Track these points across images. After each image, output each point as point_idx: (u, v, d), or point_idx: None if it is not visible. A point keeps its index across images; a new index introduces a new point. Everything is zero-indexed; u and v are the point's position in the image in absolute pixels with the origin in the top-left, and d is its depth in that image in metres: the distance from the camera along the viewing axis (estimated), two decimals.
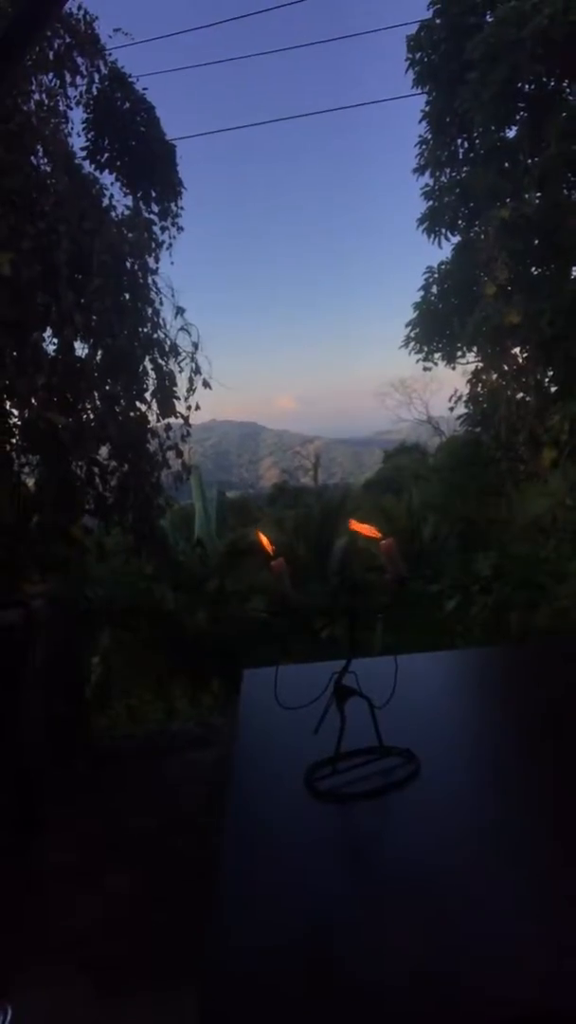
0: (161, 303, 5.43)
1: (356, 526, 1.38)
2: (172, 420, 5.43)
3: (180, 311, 5.44)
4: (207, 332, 6.93)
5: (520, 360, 9.13)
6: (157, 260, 5.57)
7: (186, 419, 5.46)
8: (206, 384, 5.50)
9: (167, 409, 5.34)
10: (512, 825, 1.22)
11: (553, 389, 8.83)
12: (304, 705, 1.35)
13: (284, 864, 1.20)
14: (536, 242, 8.34)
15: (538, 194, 8.54)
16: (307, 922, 1.06)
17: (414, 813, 1.28)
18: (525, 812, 1.26)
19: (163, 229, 5.80)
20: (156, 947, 2.83)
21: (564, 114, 7.83)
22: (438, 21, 9.21)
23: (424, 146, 9.81)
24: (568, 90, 8.69)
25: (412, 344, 10.11)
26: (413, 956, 0.99)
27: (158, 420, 5.39)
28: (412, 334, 10.06)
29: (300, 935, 1.04)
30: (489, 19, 8.72)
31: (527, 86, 8.61)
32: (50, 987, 2.65)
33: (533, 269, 8.72)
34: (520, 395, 9.15)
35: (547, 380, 9.02)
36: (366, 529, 1.36)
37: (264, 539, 1.29)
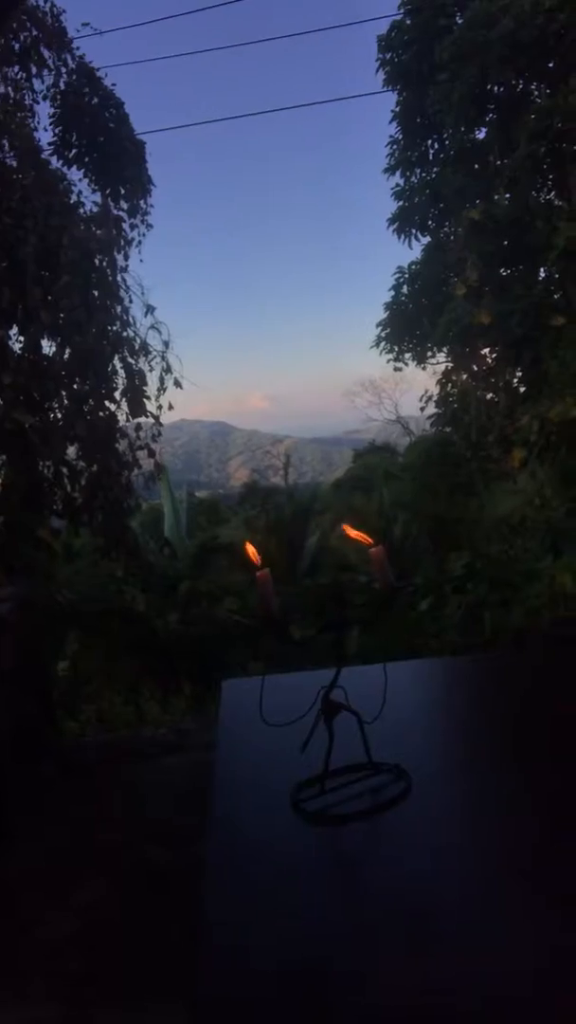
0: (131, 301, 5.35)
1: (349, 531, 1.33)
2: (142, 420, 5.33)
3: (150, 309, 5.36)
4: (178, 331, 6.85)
5: (489, 360, 9.19)
6: (126, 257, 5.48)
7: (157, 419, 5.37)
8: (177, 383, 5.42)
9: (137, 408, 5.25)
10: (508, 845, 1.18)
11: (522, 389, 8.90)
12: (291, 722, 1.30)
13: (272, 888, 1.15)
14: (505, 243, 8.39)
15: (507, 195, 8.59)
16: (298, 947, 1.01)
17: (406, 834, 1.23)
18: (521, 830, 1.22)
19: (132, 226, 5.70)
20: (128, 963, 2.76)
21: (533, 116, 7.88)
22: (408, 22, 9.22)
23: (395, 146, 9.82)
24: (536, 92, 8.76)
25: (383, 344, 10.13)
26: (408, 983, 0.95)
27: (128, 420, 5.29)
28: (383, 334, 10.08)
29: (291, 960, 0.99)
30: (459, 21, 8.75)
31: (496, 88, 8.66)
32: (17, 1005, 2.57)
33: (502, 270, 8.78)
34: (490, 395, 9.21)
35: (516, 380, 9.09)
36: (358, 535, 1.31)
37: (251, 549, 1.23)
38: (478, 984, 0.91)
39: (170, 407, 5.39)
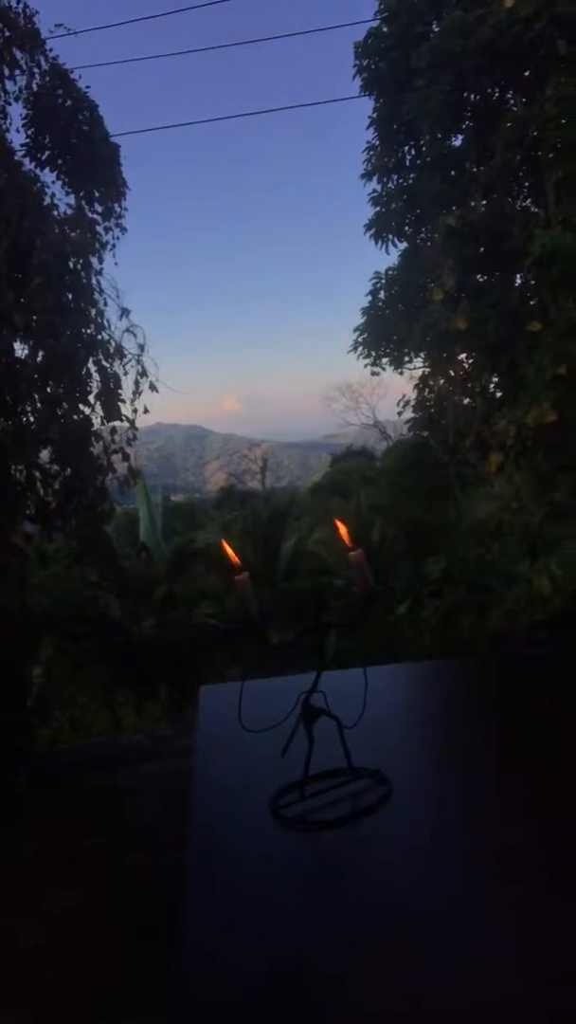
0: (105, 304, 5.29)
1: (340, 526, 1.31)
2: (117, 423, 5.28)
3: (125, 312, 5.31)
4: (153, 334, 6.80)
5: (466, 366, 9.24)
6: (101, 260, 5.43)
7: (132, 422, 5.32)
8: (152, 387, 5.37)
9: (112, 412, 5.20)
10: (490, 850, 1.16)
11: (499, 394, 8.97)
12: (269, 728, 1.27)
13: (251, 896, 1.12)
14: (482, 250, 8.45)
15: (484, 202, 8.66)
16: (277, 954, 0.99)
17: (386, 840, 1.21)
18: (502, 834, 1.20)
19: (107, 229, 5.65)
20: (106, 974, 2.70)
21: (509, 124, 7.95)
22: (385, 29, 9.27)
23: (372, 152, 9.85)
24: (512, 101, 8.84)
25: (360, 349, 10.14)
26: (388, 988, 0.92)
27: (103, 423, 5.23)
28: (360, 339, 10.10)
29: (270, 967, 0.97)
30: (436, 29, 8.81)
31: (473, 96, 8.73)
32: None
33: (479, 276, 8.84)
34: (467, 400, 9.26)
35: (493, 385, 9.15)
36: (346, 533, 1.29)
37: (229, 550, 1.20)
38: (461, 988, 0.89)
39: (145, 411, 5.35)
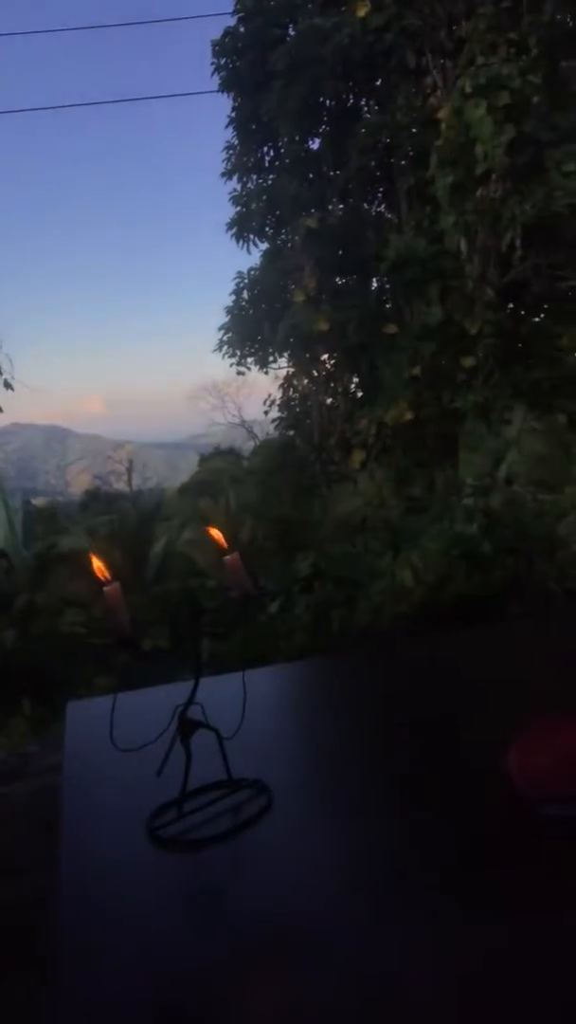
0: None
1: (213, 533, 1.26)
2: None
3: None
4: (7, 330, 6.45)
5: (328, 366, 9.45)
6: None
7: None
8: (7, 385, 5.10)
9: None
10: (374, 854, 1.16)
11: (360, 394, 9.23)
12: (144, 745, 1.22)
13: (128, 923, 1.07)
14: (340, 252, 8.66)
15: (341, 206, 8.88)
16: (154, 984, 0.94)
17: (268, 850, 1.18)
18: (384, 836, 1.21)
19: None
20: None
21: (364, 130, 8.19)
22: (242, 29, 9.29)
23: (231, 151, 9.85)
24: (366, 107, 9.12)
25: (225, 348, 10.13)
26: (270, 1015, 0.90)
27: None
28: (225, 338, 10.09)
29: (147, 998, 0.92)
30: (292, 32, 8.93)
31: (328, 101, 8.93)
32: None
33: (338, 279, 9.06)
34: (330, 400, 9.47)
35: (354, 386, 9.42)
36: (218, 537, 1.25)
37: (98, 564, 1.13)
38: (348, 998, 0.88)
39: (0, 410, 5.06)
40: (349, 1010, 0.86)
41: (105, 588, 1.12)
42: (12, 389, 5.10)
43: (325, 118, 9.01)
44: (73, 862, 1.22)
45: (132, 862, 1.18)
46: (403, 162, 8.32)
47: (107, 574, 1.12)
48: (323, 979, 0.90)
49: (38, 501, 12.37)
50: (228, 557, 1.23)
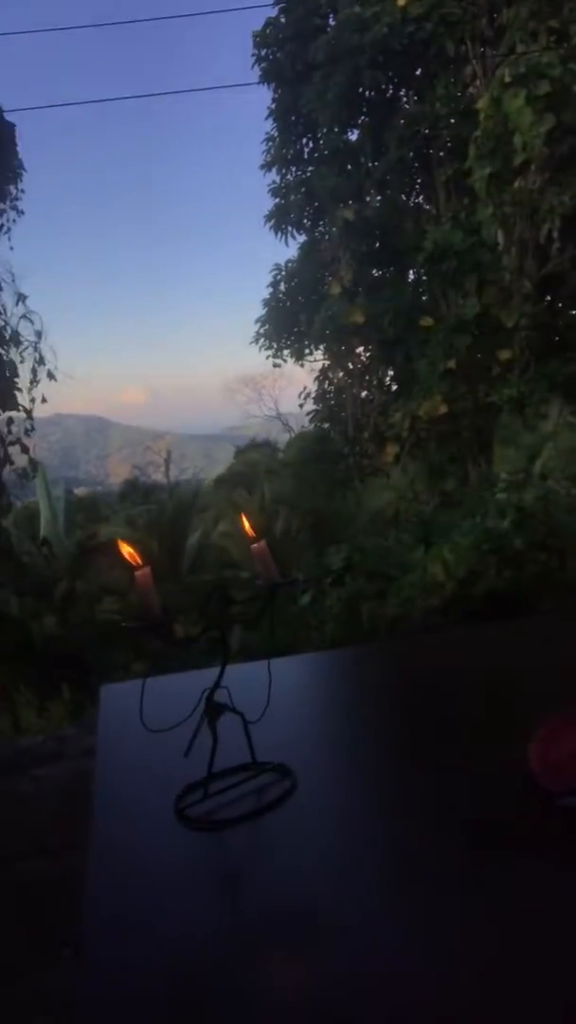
0: (0, 289, 5.10)
1: (244, 520, 1.31)
2: (13, 413, 5.11)
3: (21, 298, 5.14)
4: (51, 322, 6.60)
5: (364, 359, 9.45)
6: None
7: (29, 412, 5.16)
8: (51, 375, 5.23)
9: (7, 401, 5.03)
10: (395, 841, 1.21)
11: (394, 387, 9.21)
12: (172, 727, 1.27)
13: (155, 900, 1.12)
14: (377, 244, 8.63)
15: (379, 197, 8.84)
16: (180, 961, 0.99)
17: (290, 834, 1.24)
18: (406, 822, 1.25)
19: (1, 212, 5.44)
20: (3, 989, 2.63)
21: (402, 121, 8.14)
22: (283, 19, 9.29)
23: (271, 143, 9.87)
24: (405, 98, 9.05)
25: (262, 341, 10.18)
26: (291, 988, 0.95)
27: None
28: (262, 331, 10.14)
29: (173, 975, 0.97)
30: (332, 23, 8.90)
31: (368, 92, 8.88)
32: None
33: (374, 271, 9.03)
34: (364, 393, 9.47)
35: (389, 378, 9.40)
36: (249, 526, 1.30)
37: (126, 549, 1.19)
38: (361, 987, 0.92)
39: (43, 400, 5.20)
40: (360, 991, 0.90)
41: (136, 572, 1.18)
42: (55, 379, 5.23)
43: (364, 109, 8.97)
44: (101, 841, 1.29)
45: (157, 839, 1.24)
46: (441, 153, 8.27)
47: (138, 559, 1.18)
48: (337, 961, 0.95)
49: (79, 490, 12.60)
50: (255, 545, 1.27)
